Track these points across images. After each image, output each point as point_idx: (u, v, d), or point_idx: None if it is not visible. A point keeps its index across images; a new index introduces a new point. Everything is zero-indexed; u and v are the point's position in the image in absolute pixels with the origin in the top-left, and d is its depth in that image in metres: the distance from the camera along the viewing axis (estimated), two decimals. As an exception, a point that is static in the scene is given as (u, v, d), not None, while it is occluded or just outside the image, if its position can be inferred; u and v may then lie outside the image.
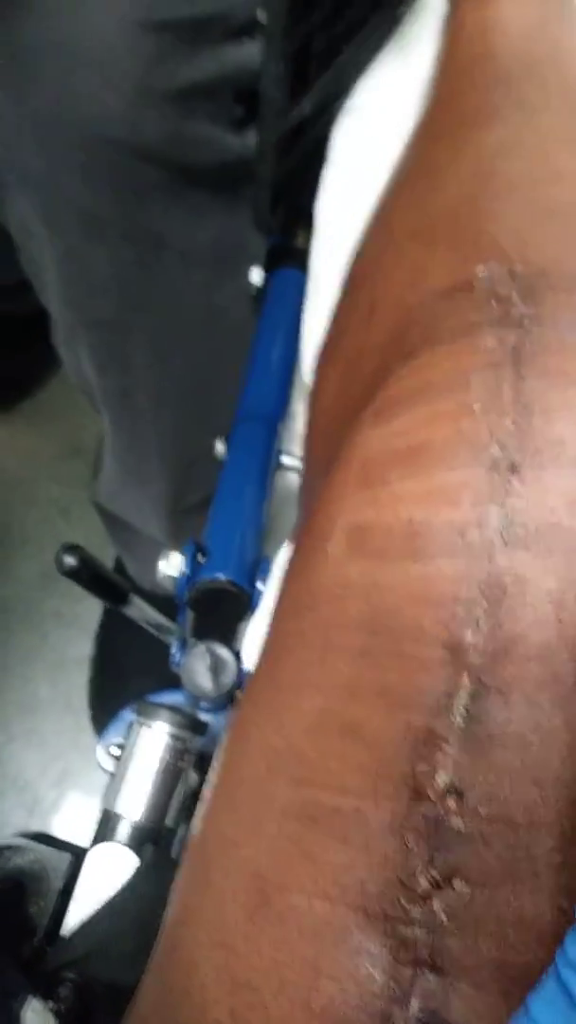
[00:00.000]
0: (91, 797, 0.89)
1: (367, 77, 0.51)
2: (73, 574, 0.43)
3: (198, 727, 0.37)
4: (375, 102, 0.50)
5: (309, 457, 0.33)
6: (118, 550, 0.89)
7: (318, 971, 0.17)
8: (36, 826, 0.90)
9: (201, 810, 0.25)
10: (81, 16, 0.44)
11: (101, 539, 0.98)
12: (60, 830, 0.87)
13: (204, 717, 0.44)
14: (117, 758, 0.46)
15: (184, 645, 0.45)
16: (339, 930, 0.18)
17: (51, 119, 0.46)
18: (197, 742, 0.37)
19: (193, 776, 0.37)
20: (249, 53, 0.51)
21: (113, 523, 0.84)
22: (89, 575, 0.43)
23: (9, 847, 0.37)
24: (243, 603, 0.41)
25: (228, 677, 0.43)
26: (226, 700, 0.45)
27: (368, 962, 0.17)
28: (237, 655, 0.44)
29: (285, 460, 0.48)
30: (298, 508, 0.34)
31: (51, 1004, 0.30)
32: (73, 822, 0.88)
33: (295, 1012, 0.17)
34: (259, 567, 0.42)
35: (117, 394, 0.63)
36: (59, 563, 0.42)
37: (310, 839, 0.19)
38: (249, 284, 0.56)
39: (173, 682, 0.85)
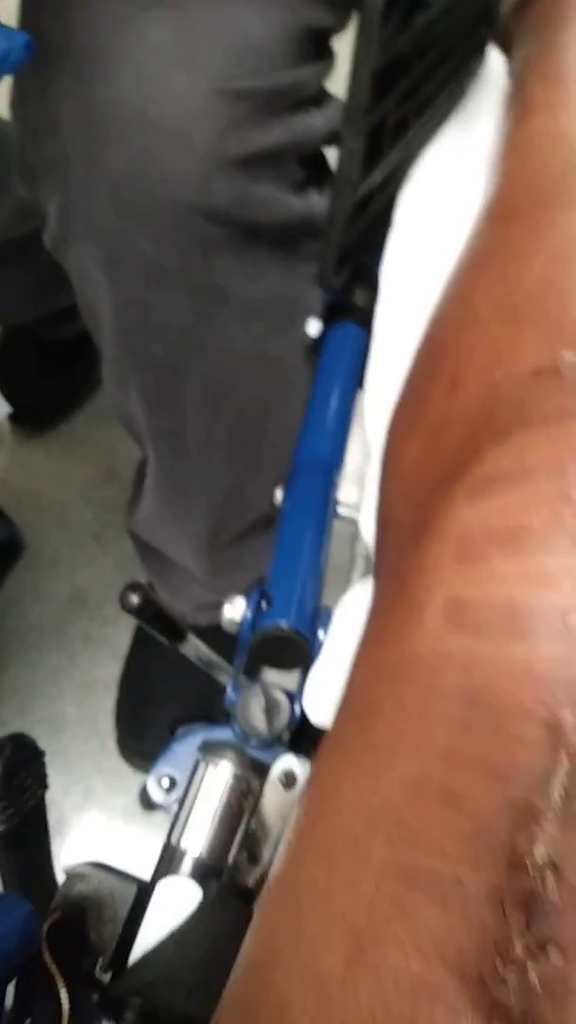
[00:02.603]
0: (112, 819, 0.90)
1: (431, 146, 0.54)
2: (137, 611, 0.45)
3: (261, 769, 0.39)
4: (438, 171, 0.53)
5: (385, 517, 0.35)
6: (151, 577, 0.91)
7: (413, 1026, 0.19)
8: (56, 845, 0.92)
9: (285, 855, 0.26)
10: (162, 85, 0.46)
11: (133, 564, 1.00)
12: (81, 850, 0.88)
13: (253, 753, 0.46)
14: (167, 789, 0.48)
15: (238, 685, 0.47)
16: (435, 988, 0.19)
17: (126, 180, 0.48)
18: (257, 783, 0.39)
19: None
20: (314, 122, 0.54)
21: (147, 551, 0.86)
22: (151, 613, 0.45)
23: (75, 874, 0.39)
24: (304, 651, 0.43)
25: (282, 719, 0.45)
26: (275, 740, 0.47)
27: (463, 1022, 0.19)
28: (291, 698, 0.45)
29: (342, 511, 0.50)
30: (374, 566, 0.35)
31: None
32: (93, 843, 0.89)
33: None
34: (320, 616, 0.44)
35: (165, 434, 0.65)
36: (123, 601, 0.44)
37: (408, 899, 0.20)
38: (305, 335, 0.58)
39: (200, 709, 0.87)
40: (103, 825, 0.90)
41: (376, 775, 0.23)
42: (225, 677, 0.54)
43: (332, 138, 0.55)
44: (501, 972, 0.18)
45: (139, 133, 0.46)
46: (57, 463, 1.08)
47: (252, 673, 0.47)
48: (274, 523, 0.75)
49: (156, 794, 0.48)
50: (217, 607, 0.85)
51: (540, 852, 0.19)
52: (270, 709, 0.46)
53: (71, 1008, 0.33)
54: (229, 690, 0.47)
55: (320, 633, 0.43)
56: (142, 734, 0.89)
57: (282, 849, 0.28)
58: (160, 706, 0.89)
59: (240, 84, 0.46)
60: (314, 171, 0.56)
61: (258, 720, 0.46)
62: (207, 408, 0.61)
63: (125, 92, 0.46)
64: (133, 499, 0.83)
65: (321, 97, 0.54)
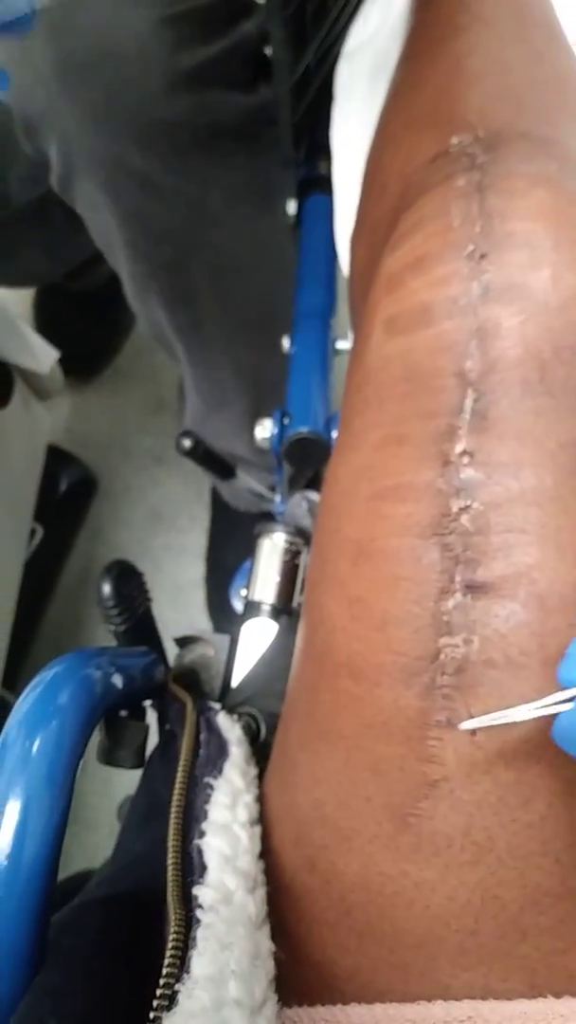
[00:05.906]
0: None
1: (355, 25, 0.62)
2: (190, 453, 0.55)
3: (305, 536, 0.49)
4: (364, 45, 0.61)
5: (353, 305, 0.45)
6: (214, 482, 1.01)
7: (398, 575, 0.29)
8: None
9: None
10: (116, 24, 0.56)
11: (196, 476, 1.11)
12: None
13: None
14: (245, 598, 0.59)
15: (285, 496, 0.57)
16: (408, 549, 0.29)
17: (106, 109, 0.58)
18: (305, 547, 0.50)
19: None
20: (248, 29, 0.63)
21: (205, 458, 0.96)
22: (202, 452, 0.55)
23: (181, 641, 0.50)
24: (324, 449, 0.53)
25: (322, 515, 0.55)
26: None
27: (428, 560, 0.28)
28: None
29: (339, 345, 0.60)
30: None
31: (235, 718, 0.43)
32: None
33: (388, 599, 0.29)
34: (332, 421, 0.54)
35: (189, 328, 0.75)
36: (178, 446, 0.55)
37: (384, 507, 0.30)
38: (287, 216, 0.68)
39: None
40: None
41: (357, 448, 0.33)
42: (271, 506, 0.65)
43: (265, 39, 0.64)
44: (446, 524, 0.28)
45: (108, 67, 0.56)
46: (110, 402, 1.19)
47: (294, 485, 0.57)
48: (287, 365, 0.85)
49: (238, 604, 0.59)
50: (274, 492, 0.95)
51: (459, 448, 0.29)
52: (312, 509, 0.56)
53: (195, 713, 0.44)
54: (278, 501, 0.58)
55: (334, 434, 0.53)
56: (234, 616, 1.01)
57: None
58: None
59: (180, 8, 0.56)
60: (259, 70, 0.65)
61: (304, 519, 0.56)
62: (217, 294, 0.71)
63: (91, 37, 0.56)
64: (181, 412, 0.93)
65: (250, 7, 0.63)
